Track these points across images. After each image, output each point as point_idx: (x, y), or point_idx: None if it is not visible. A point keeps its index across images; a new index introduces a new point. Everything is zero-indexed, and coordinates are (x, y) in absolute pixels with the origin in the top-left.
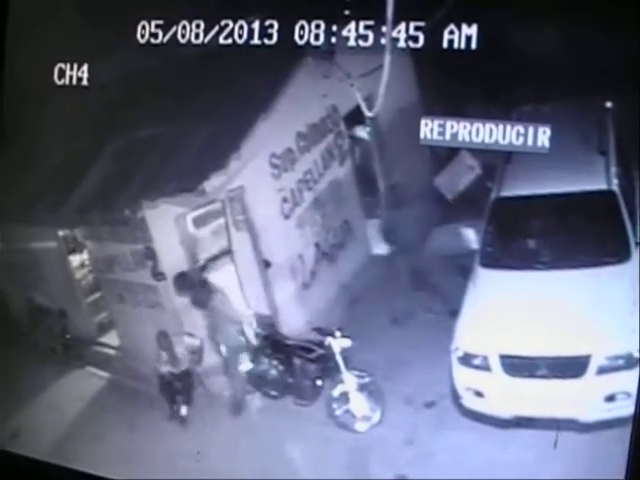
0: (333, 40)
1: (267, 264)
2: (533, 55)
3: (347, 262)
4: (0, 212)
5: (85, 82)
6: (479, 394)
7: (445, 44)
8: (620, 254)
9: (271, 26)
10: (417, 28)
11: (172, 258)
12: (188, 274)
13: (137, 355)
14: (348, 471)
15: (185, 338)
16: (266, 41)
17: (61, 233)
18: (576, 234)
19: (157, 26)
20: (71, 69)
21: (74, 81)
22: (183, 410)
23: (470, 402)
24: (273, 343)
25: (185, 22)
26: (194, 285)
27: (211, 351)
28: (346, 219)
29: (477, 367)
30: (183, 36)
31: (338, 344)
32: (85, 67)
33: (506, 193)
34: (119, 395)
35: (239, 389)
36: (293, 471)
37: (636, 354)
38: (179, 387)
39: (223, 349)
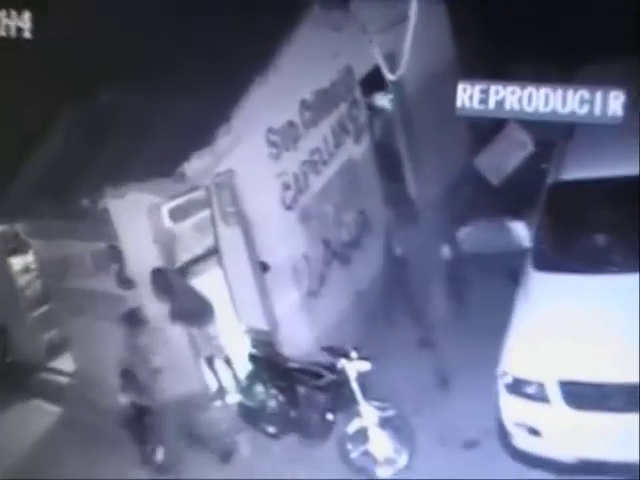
0: None
1: (264, 267)
2: None
3: (364, 264)
4: None
5: (27, 34)
6: (534, 432)
7: None
8: None
9: None
10: None
11: (143, 260)
12: (167, 271)
13: (98, 384)
14: None
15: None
16: None
17: None
18: None
19: None
20: (8, 17)
21: (12, 32)
22: (159, 454)
23: (523, 442)
24: (272, 367)
25: None
26: (173, 285)
27: (195, 376)
28: (363, 210)
29: (531, 397)
30: None
31: (354, 367)
32: (27, 15)
33: (567, 176)
34: (75, 435)
35: (228, 426)
36: None
37: None
38: (153, 424)
39: (210, 374)
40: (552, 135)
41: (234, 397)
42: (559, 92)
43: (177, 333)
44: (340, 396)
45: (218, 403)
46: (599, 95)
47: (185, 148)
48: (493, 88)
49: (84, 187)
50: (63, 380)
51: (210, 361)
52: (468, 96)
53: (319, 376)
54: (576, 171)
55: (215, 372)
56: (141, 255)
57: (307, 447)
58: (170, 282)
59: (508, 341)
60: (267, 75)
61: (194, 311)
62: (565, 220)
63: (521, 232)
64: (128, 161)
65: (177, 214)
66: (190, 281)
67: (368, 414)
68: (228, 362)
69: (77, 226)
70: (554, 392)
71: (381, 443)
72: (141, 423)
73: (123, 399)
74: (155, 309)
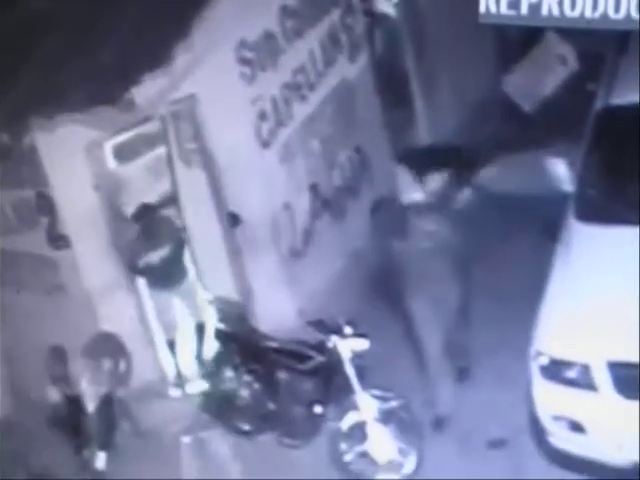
0: None
1: (235, 220)
2: None
3: (361, 216)
4: None
5: None
6: (577, 427)
7: None
8: None
9: None
10: None
11: (80, 212)
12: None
13: (23, 371)
14: None
15: (98, 343)
16: None
17: None
18: None
19: None
20: None
21: None
22: (99, 460)
23: (562, 440)
24: (245, 347)
25: None
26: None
27: (146, 362)
28: (359, 146)
29: (573, 383)
30: None
31: (348, 347)
32: None
33: (620, 100)
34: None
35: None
36: None
37: None
38: (93, 423)
39: (166, 358)
40: (601, 48)
41: (197, 385)
42: None
43: (127, 304)
44: (331, 383)
45: (176, 393)
46: None
47: (134, 68)
48: None
49: (2, 117)
50: None
51: (170, 340)
52: None
53: (304, 358)
54: (632, 93)
55: (174, 354)
56: (78, 205)
57: (289, 448)
58: (158, 224)
59: (543, 312)
60: None
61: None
62: (618, 157)
63: (561, 172)
64: (61, 84)
65: (124, 153)
66: None
67: (366, 406)
68: (190, 340)
69: None
70: (602, 376)
71: (382, 442)
72: (76, 422)
73: (53, 393)
74: (97, 274)
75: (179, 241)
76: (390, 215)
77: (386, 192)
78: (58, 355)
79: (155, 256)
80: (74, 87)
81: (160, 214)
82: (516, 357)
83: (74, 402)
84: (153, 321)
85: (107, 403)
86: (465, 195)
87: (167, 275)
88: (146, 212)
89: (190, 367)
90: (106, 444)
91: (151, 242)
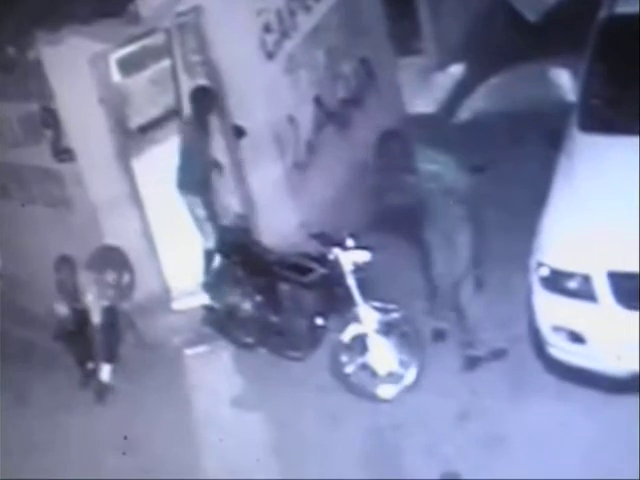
0: None
1: (239, 132)
2: None
3: (366, 128)
4: None
5: None
6: (576, 337)
7: None
8: None
9: None
10: None
11: (85, 125)
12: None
13: (28, 285)
14: (364, 465)
15: (102, 255)
16: None
17: None
18: None
19: None
20: None
21: None
22: (104, 372)
23: (562, 350)
24: (247, 259)
25: None
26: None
27: (150, 276)
28: (365, 57)
29: (574, 293)
30: None
31: (350, 259)
32: None
33: (626, 8)
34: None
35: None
36: (277, 469)
37: None
38: (98, 335)
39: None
40: None
41: (200, 297)
42: None
43: (132, 218)
44: (333, 295)
45: (179, 306)
46: None
47: None
48: None
49: (8, 31)
50: None
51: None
52: None
53: (307, 270)
54: (636, 2)
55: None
56: (82, 118)
57: (291, 360)
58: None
59: (545, 223)
60: None
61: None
62: (621, 66)
63: (565, 82)
64: None
65: (128, 65)
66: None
67: (368, 318)
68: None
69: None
70: (602, 286)
71: (383, 354)
72: (82, 335)
73: (60, 306)
74: (102, 187)
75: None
76: (396, 148)
77: (391, 103)
78: (65, 266)
79: None
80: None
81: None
82: (518, 266)
83: (80, 314)
84: (157, 234)
85: (111, 316)
86: (471, 105)
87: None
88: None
89: (194, 280)
90: (111, 356)
91: None
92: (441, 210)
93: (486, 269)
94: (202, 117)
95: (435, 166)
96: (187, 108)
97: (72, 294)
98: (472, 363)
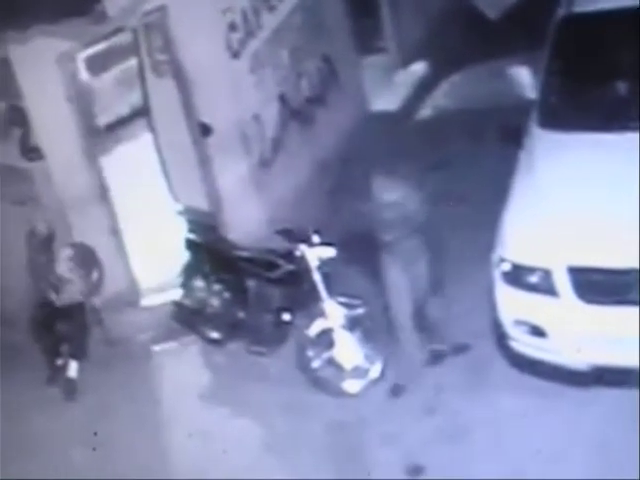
0: None
1: (205, 130)
2: None
3: (329, 125)
4: None
5: None
6: (538, 331)
7: None
8: None
9: None
10: None
11: (53, 123)
12: None
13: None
14: (329, 460)
15: (69, 253)
16: None
17: None
18: None
19: None
20: None
21: None
22: (71, 369)
23: (524, 344)
24: (214, 256)
25: None
26: None
27: (118, 272)
28: (328, 56)
29: (535, 288)
30: None
31: (315, 255)
32: None
33: (582, 7)
34: None
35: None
36: (244, 463)
37: None
38: (64, 331)
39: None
40: None
41: (167, 295)
42: None
43: (100, 215)
44: (299, 291)
45: (147, 302)
46: None
47: None
48: None
49: None
50: None
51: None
52: None
53: (273, 266)
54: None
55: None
56: (51, 116)
57: (258, 355)
58: None
59: (506, 219)
60: None
61: None
62: (579, 64)
63: (524, 79)
64: None
65: (96, 64)
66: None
67: (333, 313)
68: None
69: None
70: (563, 281)
71: (349, 348)
72: (52, 330)
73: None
74: (70, 185)
75: None
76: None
77: (354, 101)
78: (37, 260)
79: None
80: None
81: None
82: (479, 263)
83: (50, 309)
84: (125, 231)
85: (80, 312)
86: (432, 103)
87: None
88: None
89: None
90: (80, 353)
91: None
92: (396, 243)
93: (448, 265)
94: None
95: (395, 195)
96: (154, 106)
97: (45, 287)
98: (436, 358)
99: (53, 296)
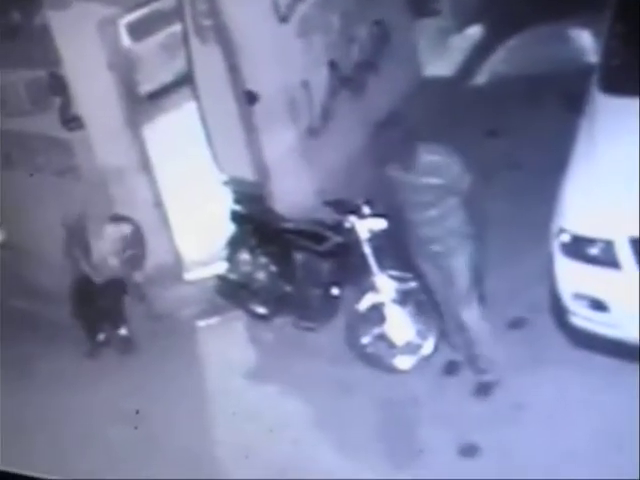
0: None
1: (251, 98)
2: None
3: (381, 92)
4: None
5: None
6: (599, 305)
7: None
8: None
9: None
10: None
11: (94, 92)
12: None
13: (34, 257)
14: (379, 438)
15: (112, 227)
16: None
17: None
18: None
19: None
20: None
21: None
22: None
23: (583, 319)
24: (261, 228)
25: None
26: None
27: (161, 246)
28: (380, 20)
29: (596, 260)
30: None
31: (366, 227)
32: None
33: None
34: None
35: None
36: (290, 441)
37: None
38: (104, 306)
39: (182, 241)
40: None
41: (212, 268)
42: None
43: (142, 187)
44: (348, 264)
45: (191, 276)
46: None
47: None
48: None
49: None
50: None
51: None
52: None
53: (321, 239)
54: None
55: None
56: (91, 85)
57: (305, 330)
58: None
59: (566, 189)
60: None
61: None
62: None
63: (585, 43)
64: None
65: (138, 30)
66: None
67: (384, 287)
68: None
69: (5, 48)
70: (625, 253)
71: (400, 324)
72: (92, 307)
73: (72, 275)
74: (111, 155)
75: None
76: (394, 137)
77: (407, 66)
78: (76, 235)
79: None
80: None
81: None
82: (537, 232)
83: (90, 285)
84: (168, 203)
85: (121, 286)
86: (489, 68)
87: None
88: None
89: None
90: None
91: None
92: (433, 227)
93: (500, 233)
94: None
95: (437, 157)
96: (198, 73)
97: (85, 263)
98: (485, 389)
99: (93, 273)
